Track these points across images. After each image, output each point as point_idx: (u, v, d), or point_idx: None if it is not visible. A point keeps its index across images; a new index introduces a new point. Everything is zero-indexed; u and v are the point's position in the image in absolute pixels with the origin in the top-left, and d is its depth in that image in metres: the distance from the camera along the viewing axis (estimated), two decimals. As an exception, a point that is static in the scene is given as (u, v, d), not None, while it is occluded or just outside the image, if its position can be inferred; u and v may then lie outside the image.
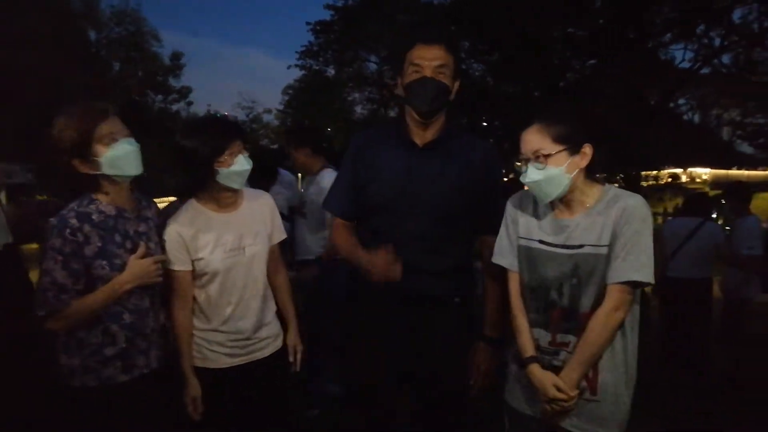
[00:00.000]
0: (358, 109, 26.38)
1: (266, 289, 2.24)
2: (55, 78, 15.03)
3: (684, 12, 13.53)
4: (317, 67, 22.10)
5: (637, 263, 1.69)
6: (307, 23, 20.24)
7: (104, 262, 1.84)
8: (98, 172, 1.85)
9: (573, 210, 1.82)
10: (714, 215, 5.26)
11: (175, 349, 2.09)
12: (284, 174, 4.35)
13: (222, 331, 2.11)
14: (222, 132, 2.05)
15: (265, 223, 2.23)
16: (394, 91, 2.21)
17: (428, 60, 1.98)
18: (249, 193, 2.25)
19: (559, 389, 1.73)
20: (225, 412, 2.11)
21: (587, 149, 1.78)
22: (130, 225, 1.95)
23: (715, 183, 31.38)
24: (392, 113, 21.57)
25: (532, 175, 1.77)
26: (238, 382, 2.13)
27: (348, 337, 2.32)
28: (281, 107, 35.10)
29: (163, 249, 2.04)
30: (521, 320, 1.88)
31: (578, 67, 15.40)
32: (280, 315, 2.34)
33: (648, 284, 1.73)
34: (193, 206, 2.14)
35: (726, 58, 15.85)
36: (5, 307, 2.29)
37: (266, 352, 2.21)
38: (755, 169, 33.74)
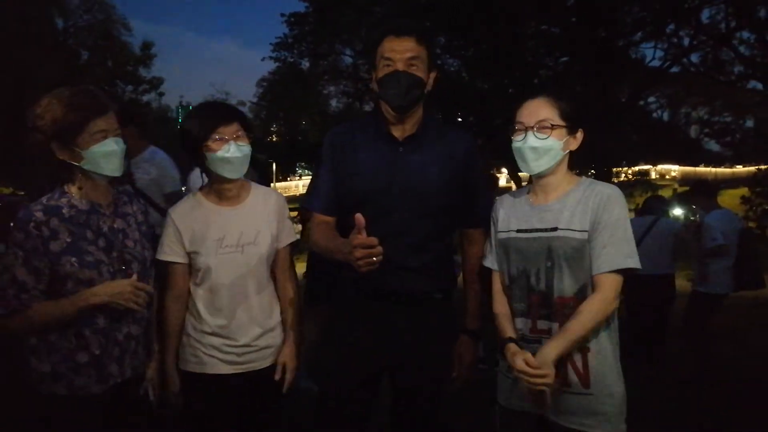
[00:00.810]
0: (334, 102, 26.34)
1: (270, 294, 2.10)
2: (21, 66, 14.59)
3: (654, 11, 13.78)
4: (292, 60, 21.91)
5: (626, 250, 1.72)
6: (282, 15, 20.07)
7: (73, 259, 1.73)
8: (76, 163, 1.76)
9: (549, 195, 1.85)
10: (680, 213, 5.37)
11: (160, 344, 2.00)
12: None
13: (219, 335, 1.98)
14: (212, 114, 1.95)
15: (270, 222, 2.08)
16: (370, 85, 2.16)
17: (399, 53, 1.93)
18: (257, 189, 2.13)
19: (527, 363, 1.66)
20: (216, 421, 2.00)
21: (580, 134, 1.84)
22: (104, 221, 1.83)
23: (684, 180, 32.09)
24: (367, 107, 21.49)
25: (532, 141, 1.79)
26: (234, 392, 2.00)
27: (325, 335, 2.27)
28: (255, 100, 34.83)
29: (150, 246, 1.96)
30: (503, 313, 1.89)
31: (551, 65, 15.55)
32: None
33: (636, 271, 1.73)
34: (194, 197, 2.06)
35: (695, 58, 16.19)
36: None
37: (267, 362, 2.06)
38: (722, 166, 34.61)
